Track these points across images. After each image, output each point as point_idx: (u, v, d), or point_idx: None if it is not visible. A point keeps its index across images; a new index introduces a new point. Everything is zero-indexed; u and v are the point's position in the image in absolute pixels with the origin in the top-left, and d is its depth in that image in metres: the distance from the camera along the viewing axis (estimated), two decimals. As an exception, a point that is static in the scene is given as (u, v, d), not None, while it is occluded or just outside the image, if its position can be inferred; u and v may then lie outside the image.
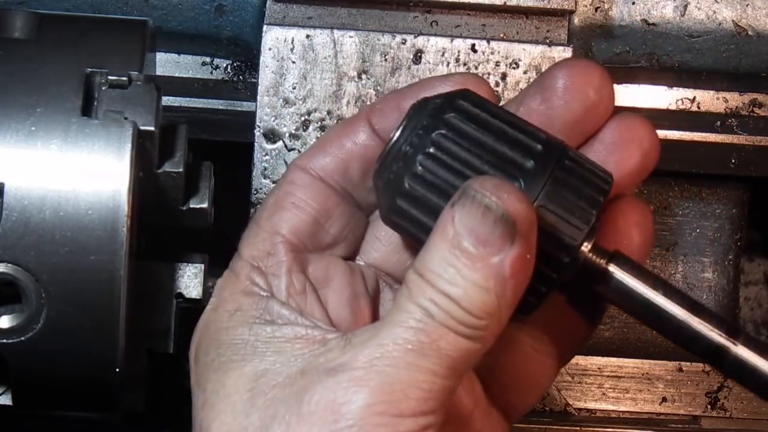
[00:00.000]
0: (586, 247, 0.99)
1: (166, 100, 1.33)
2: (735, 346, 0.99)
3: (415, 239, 1.00)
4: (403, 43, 1.31)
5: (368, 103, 1.30)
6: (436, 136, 0.98)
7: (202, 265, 1.16)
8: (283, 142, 1.30)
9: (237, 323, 1.00)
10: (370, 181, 1.04)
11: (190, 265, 1.16)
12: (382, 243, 1.09)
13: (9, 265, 1.03)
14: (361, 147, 1.06)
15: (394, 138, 1.00)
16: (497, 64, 1.32)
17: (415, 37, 1.31)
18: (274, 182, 1.30)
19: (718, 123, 1.40)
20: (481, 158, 0.97)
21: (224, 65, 1.38)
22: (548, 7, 1.31)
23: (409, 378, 0.92)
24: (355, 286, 1.06)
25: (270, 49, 1.30)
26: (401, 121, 1.00)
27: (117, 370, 1.05)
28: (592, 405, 1.45)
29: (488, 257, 0.93)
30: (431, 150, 0.97)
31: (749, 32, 1.36)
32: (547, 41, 1.32)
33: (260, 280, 1.03)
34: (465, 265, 0.93)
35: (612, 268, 1.00)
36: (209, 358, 1.00)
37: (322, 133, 1.09)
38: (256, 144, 1.30)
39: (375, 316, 1.08)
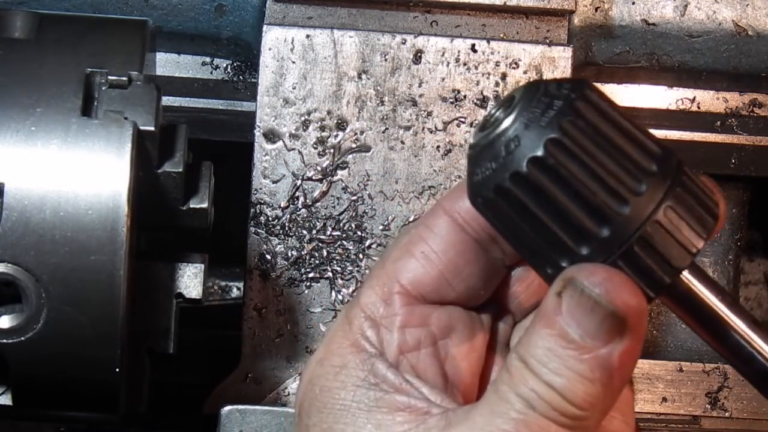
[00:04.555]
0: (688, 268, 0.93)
1: (166, 100, 1.33)
2: None
3: (508, 226, 0.93)
4: (403, 43, 1.31)
5: (368, 103, 1.30)
6: (565, 122, 0.89)
7: (202, 265, 1.16)
8: (283, 142, 1.30)
9: (341, 384, 0.96)
10: None
11: (190, 265, 1.15)
12: (523, 289, 1.03)
13: (9, 265, 1.03)
14: None
15: (506, 123, 0.90)
16: (497, 64, 1.31)
17: (415, 37, 1.31)
18: (274, 182, 1.30)
19: (718, 123, 1.40)
20: (609, 155, 0.90)
21: (224, 65, 1.38)
22: (548, 7, 1.31)
23: None
24: (474, 339, 1.01)
25: (270, 49, 1.30)
26: (506, 101, 0.92)
27: (117, 370, 1.05)
28: (592, 405, 1.44)
29: (596, 349, 0.90)
30: (557, 136, 0.89)
31: (749, 32, 1.36)
32: (547, 41, 1.32)
33: (371, 334, 0.97)
34: (571, 356, 0.90)
35: (685, 276, 0.94)
36: (311, 422, 0.96)
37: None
38: (256, 144, 1.30)
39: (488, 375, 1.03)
